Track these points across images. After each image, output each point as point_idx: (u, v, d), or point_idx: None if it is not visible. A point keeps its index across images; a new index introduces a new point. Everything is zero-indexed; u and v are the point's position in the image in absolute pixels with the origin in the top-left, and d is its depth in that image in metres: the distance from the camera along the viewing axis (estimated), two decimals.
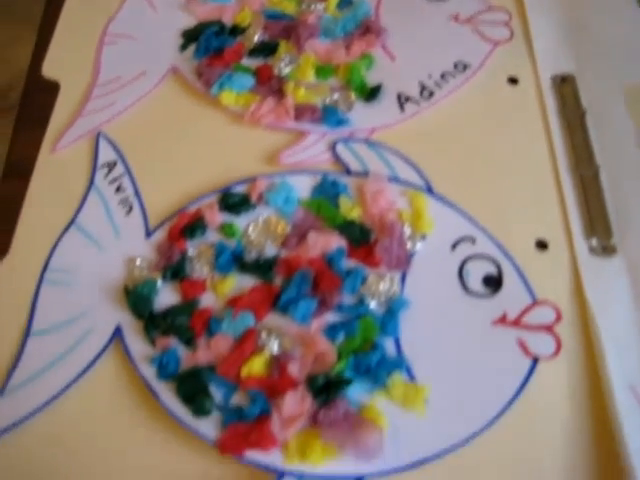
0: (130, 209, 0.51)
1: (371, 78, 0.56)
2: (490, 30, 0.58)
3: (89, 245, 0.50)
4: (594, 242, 0.48)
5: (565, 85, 0.55)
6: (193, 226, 0.49)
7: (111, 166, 0.53)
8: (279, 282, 0.47)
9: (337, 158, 0.52)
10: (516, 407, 0.43)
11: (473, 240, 0.48)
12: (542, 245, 0.48)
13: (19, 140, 0.57)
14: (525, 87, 0.56)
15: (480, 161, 0.52)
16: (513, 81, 0.56)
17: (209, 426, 0.42)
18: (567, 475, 0.41)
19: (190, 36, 0.59)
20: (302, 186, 0.51)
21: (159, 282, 0.47)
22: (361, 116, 0.54)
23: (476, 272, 0.47)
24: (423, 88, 0.55)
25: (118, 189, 0.52)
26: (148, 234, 0.50)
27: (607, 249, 0.48)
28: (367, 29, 0.58)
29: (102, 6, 0.62)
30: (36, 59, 0.61)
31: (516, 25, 0.59)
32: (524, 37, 0.58)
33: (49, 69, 0.59)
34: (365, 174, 0.51)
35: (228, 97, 0.55)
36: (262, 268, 0.47)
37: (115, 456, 0.42)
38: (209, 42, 0.58)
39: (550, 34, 0.58)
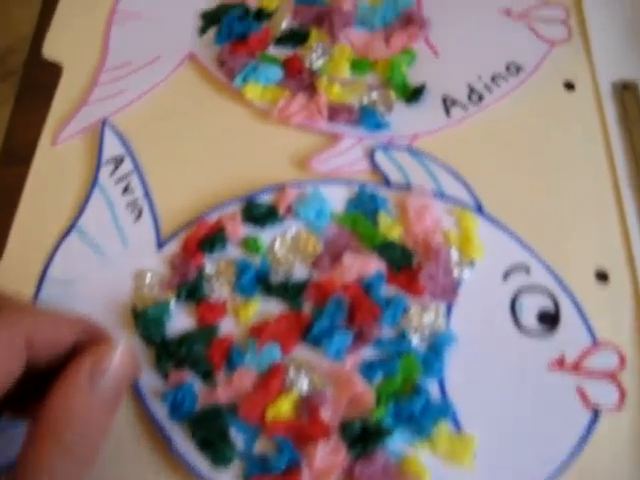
0: (139, 214, 0.45)
1: (413, 76, 0.50)
2: (546, 28, 0.52)
3: (92, 254, 0.44)
4: None
5: (627, 93, 0.50)
6: (212, 238, 0.44)
7: (118, 162, 0.47)
8: (309, 309, 0.41)
9: (376, 167, 0.46)
10: (574, 465, 0.38)
11: (527, 269, 0.43)
12: (602, 276, 0.43)
13: (18, 122, 0.50)
14: (583, 93, 0.50)
15: (533, 176, 0.47)
16: (569, 86, 0.50)
17: (229, 478, 0.36)
18: None
19: (210, 18, 0.53)
20: (336, 198, 0.45)
21: (172, 303, 0.41)
22: (402, 119, 0.48)
23: (530, 306, 0.42)
24: (471, 91, 0.49)
25: (126, 189, 0.46)
26: (160, 244, 0.44)
27: None
28: (408, 20, 0.52)
29: None
30: (41, 25, 0.55)
31: (572, 22, 0.53)
32: (581, 37, 0.52)
33: (50, 49, 0.53)
34: (407, 187, 0.45)
35: (253, 90, 0.49)
36: (290, 292, 0.42)
37: None
38: (232, 27, 0.52)
39: (611, 34, 0.53)
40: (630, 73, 0.51)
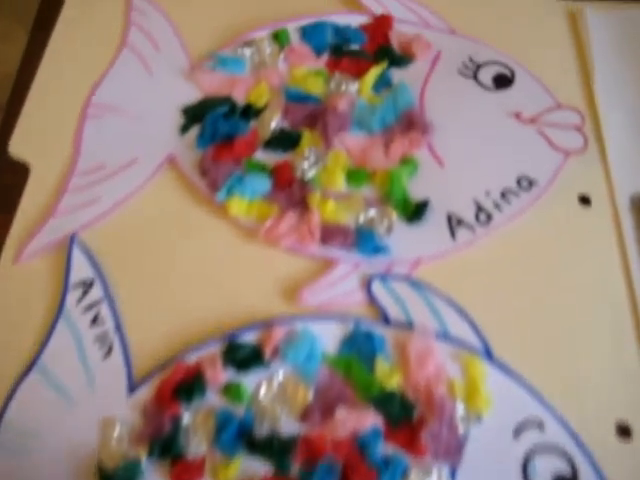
0: (109, 350, 0.40)
1: (415, 189, 0.45)
2: (559, 135, 0.48)
3: (55, 397, 0.40)
4: None
5: None
6: (190, 384, 0.39)
7: (87, 287, 0.42)
8: (297, 472, 0.37)
9: (373, 300, 0.41)
10: None
11: (540, 425, 0.38)
12: (624, 431, 0.38)
13: None
14: (599, 209, 0.46)
15: (547, 311, 0.43)
16: (585, 201, 0.46)
17: None
18: None
19: (193, 115, 0.48)
20: (328, 336, 0.41)
21: (143, 460, 0.36)
22: (403, 242, 0.44)
23: (544, 470, 0.38)
24: (479, 209, 0.44)
25: (95, 320, 0.41)
26: (131, 388, 0.39)
27: None
28: (410, 123, 0.47)
29: (85, 67, 0.50)
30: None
31: (588, 129, 0.48)
32: (597, 145, 0.47)
33: (17, 147, 0.48)
34: (408, 326, 0.40)
35: (238, 206, 0.44)
36: (276, 451, 0.38)
37: None
38: (216, 127, 0.47)
39: (629, 143, 0.48)
40: None
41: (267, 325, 0.40)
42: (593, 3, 0.55)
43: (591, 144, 0.48)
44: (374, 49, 0.52)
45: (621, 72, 0.51)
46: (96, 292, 0.42)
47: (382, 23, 0.53)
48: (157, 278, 0.43)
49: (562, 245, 0.44)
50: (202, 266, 0.44)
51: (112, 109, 0.49)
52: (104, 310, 0.42)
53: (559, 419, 0.39)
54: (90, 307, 0.42)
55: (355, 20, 0.53)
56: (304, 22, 0.53)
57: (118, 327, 0.41)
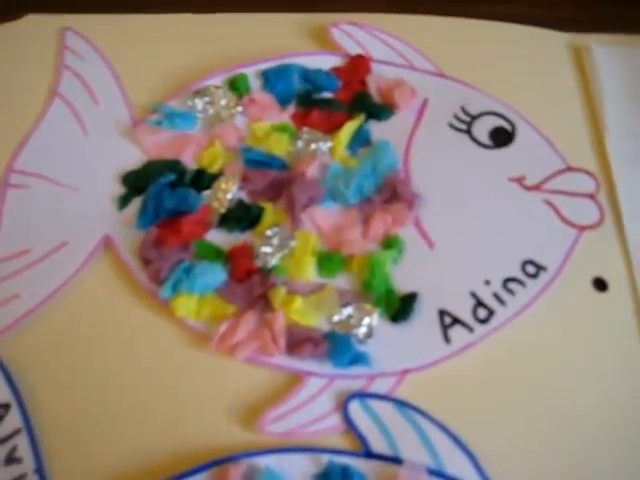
0: None
1: (400, 277, 0.38)
2: (570, 206, 0.40)
3: None
4: None
5: None
6: None
7: (1, 414, 0.33)
8: None
9: (350, 425, 0.34)
10: None
11: None
12: None
13: None
14: (617, 293, 0.38)
15: (564, 433, 0.36)
16: (600, 285, 0.38)
17: None
18: None
19: (134, 184, 0.40)
20: (296, 474, 0.34)
21: None
22: (386, 349, 0.37)
23: None
24: (478, 304, 0.37)
25: (10, 458, 0.34)
26: None
27: None
28: (393, 192, 0.40)
29: (6, 123, 0.42)
30: None
31: (602, 196, 0.41)
32: (612, 215, 0.39)
33: None
34: (394, 460, 0.32)
35: (185, 305, 0.37)
36: None
37: None
38: (160, 200, 0.39)
39: None
40: None
41: (220, 462, 0.33)
42: (599, 36, 0.47)
43: (607, 216, 0.40)
44: (349, 97, 0.44)
45: (636, 120, 0.43)
46: (12, 420, 0.35)
47: (359, 65, 0.45)
48: (88, 401, 0.36)
49: (576, 345, 0.38)
50: (141, 383, 0.37)
51: (38, 177, 0.41)
52: (22, 444, 0.35)
53: None
54: (4, 440, 0.34)
55: (327, 62, 0.45)
56: (266, 65, 0.45)
57: (39, 468, 0.34)
